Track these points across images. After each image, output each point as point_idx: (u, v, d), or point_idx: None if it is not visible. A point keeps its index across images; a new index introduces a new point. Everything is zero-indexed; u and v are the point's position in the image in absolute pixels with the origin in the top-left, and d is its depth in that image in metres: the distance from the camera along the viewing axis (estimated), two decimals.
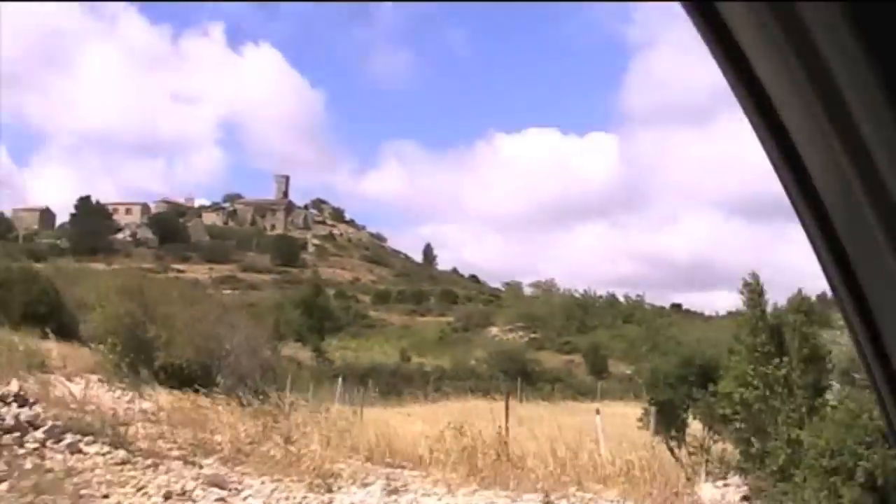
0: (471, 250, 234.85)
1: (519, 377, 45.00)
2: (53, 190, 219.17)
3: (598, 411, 17.77)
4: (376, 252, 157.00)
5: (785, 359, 11.47)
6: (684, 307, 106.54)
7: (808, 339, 11.72)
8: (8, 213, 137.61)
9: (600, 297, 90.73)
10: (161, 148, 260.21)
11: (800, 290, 12.61)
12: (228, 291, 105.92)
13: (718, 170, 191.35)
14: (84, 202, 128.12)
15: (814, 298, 13.03)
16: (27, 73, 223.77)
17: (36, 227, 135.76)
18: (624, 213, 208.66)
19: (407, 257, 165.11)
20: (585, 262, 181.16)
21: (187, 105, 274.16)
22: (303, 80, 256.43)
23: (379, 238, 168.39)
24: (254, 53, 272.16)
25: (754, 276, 12.67)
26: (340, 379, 35.30)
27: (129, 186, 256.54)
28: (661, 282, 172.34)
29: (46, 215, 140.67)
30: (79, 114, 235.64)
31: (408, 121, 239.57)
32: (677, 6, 0.98)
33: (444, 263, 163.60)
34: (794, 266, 43.40)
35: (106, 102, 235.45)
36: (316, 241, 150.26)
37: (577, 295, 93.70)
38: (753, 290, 12.51)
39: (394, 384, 40.49)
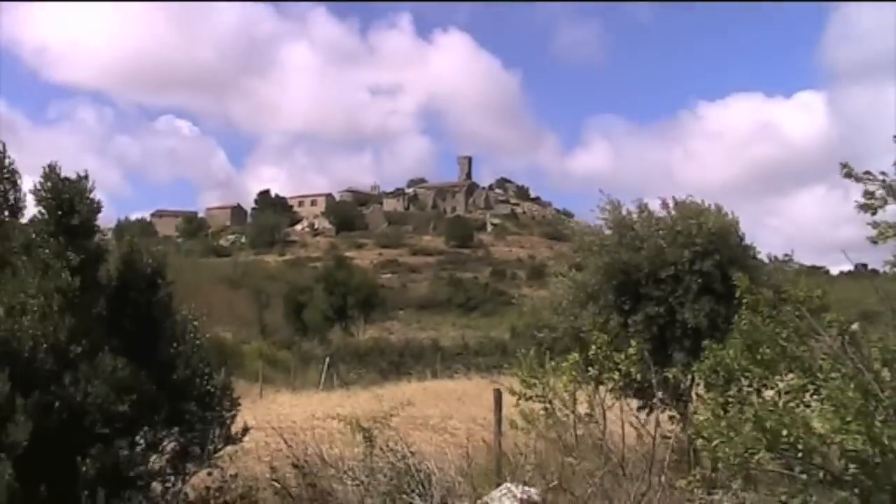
0: None
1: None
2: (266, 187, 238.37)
3: None
4: (559, 229, 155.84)
5: None
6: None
7: None
8: (202, 213, 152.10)
9: None
10: (366, 141, 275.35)
11: None
12: (388, 276, 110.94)
13: None
14: (263, 196, 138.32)
15: None
16: (229, 80, 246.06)
17: (228, 223, 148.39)
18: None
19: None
20: (805, 228, 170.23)
21: (387, 97, 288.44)
22: (495, 62, 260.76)
23: (565, 214, 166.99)
24: (444, 39, 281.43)
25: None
26: (326, 360, 36.55)
27: (340, 180, 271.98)
28: (886, 246, 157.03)
29: (238, 212, 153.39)
30: (283, 115, 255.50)
31: (608, 95, 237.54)
32: None
33: None
34: None
35: (307, 101, 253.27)
36: (495, 221, 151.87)
37: None
38: None
39: (400, 363, 40.91)
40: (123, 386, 6.01)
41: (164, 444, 6.97)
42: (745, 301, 7.13)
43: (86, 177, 6.82)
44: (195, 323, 7.74)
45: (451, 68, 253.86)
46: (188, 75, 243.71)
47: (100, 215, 6.81)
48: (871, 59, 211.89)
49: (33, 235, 6.62)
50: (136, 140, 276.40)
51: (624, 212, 11.40)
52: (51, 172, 6.56)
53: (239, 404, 8.01)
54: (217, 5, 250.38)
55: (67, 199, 6.64)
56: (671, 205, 11.30)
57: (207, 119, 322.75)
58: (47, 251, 6.47)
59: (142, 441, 6.60)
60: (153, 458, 6.77)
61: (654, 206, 11.52)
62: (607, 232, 11.49)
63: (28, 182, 6.91)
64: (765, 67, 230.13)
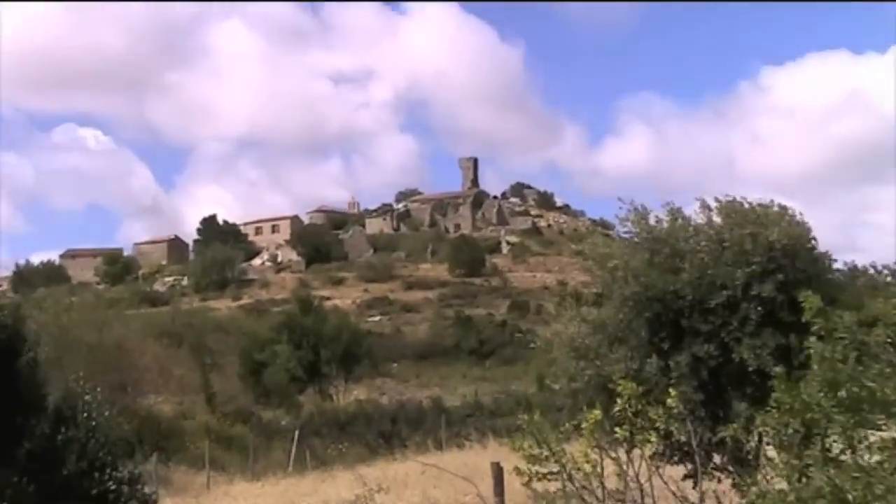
0: None
1: None
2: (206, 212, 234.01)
3: None
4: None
5: None
6: None
7: None
8: (128, 249, 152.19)
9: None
10: (333, 145, 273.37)
11: None
12: (376, 318, 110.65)
13: None
14: (208, 224, 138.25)
15: None
16: (144, 74, 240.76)
17: (164, 261, 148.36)
18: None
19: None
20: None
21: (354, 87, 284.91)
22: (490, 33, 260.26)
23: (603, 226, 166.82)
24: (419, 7, 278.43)
25: None
26: (296, 434, 36.18)
27: (305, 198, 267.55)
28: None
29: (175, 246, 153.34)
30: (221, 117, 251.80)
31: (642, 68, 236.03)
32: None
33: None
34: None
35: (251, 98, 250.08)
36: (512, 239, 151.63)
37: None
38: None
39: (394, 432, 40.34)
40: None
41: None
42: (814, 328, 6.95)
43: None
44: (87, 398, 7.55)
45: (433, 44, 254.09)
46: (90, 69, 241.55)
47: None
48: None
49: None
50: (28, 158, 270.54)
51: (653, 221, 11.20)
52: None
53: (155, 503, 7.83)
54: None
55: None
56: (714, 207, 11.10)
57: (121, 126, 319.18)
58: None
59: None
60: None
61: (692, 211, 11.33)
62: (632, 250, 11.28)
63: None
64: (848, 15, 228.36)
